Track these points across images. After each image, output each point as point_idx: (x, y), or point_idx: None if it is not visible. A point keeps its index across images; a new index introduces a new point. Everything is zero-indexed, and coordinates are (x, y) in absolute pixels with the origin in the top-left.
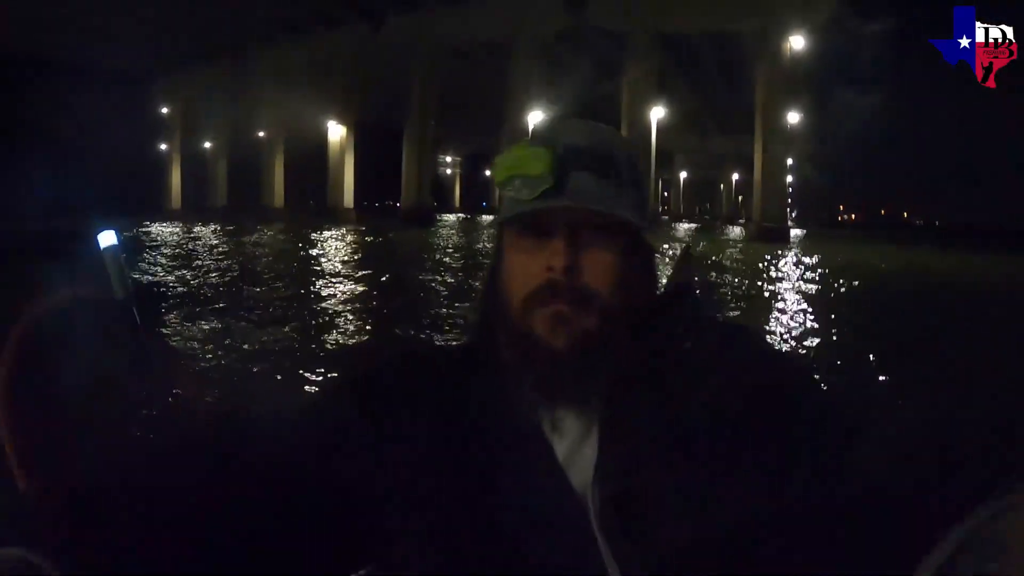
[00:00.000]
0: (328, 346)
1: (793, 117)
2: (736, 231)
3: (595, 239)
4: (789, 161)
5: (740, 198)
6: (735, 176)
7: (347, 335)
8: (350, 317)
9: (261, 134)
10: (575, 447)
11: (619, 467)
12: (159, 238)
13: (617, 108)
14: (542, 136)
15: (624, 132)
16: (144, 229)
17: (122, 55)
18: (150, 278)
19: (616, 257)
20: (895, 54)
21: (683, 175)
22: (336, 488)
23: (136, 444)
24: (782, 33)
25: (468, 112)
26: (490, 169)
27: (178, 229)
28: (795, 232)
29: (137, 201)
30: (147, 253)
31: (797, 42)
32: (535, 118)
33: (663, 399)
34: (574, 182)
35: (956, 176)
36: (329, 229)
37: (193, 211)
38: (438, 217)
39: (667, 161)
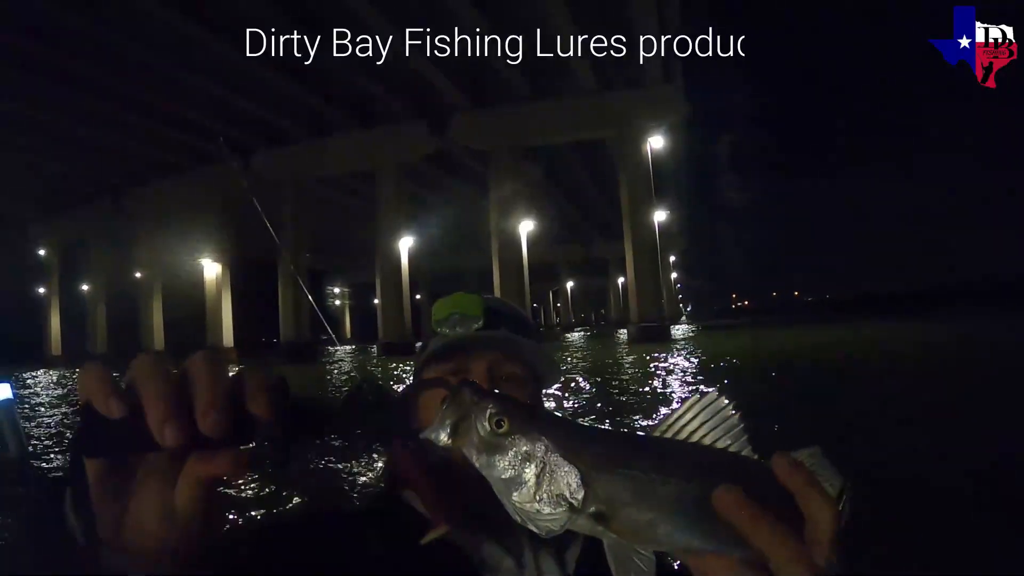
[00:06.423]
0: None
1: (660, 216)
2: (624, 333)
3: (508, 378)
4: (672, 259)
5: None
6: (621, 280)
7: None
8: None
9: (138, 275)
10: None
11: None
12: (44, 390)
13: (487, 225)
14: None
15: (495, 248)
16: (29, 378)
17: None
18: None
19: (524, 393)
20: (757, 145)
21: (570, 285)
22: None
23: None
24: (638, 137)
25: (348, 242)
26: (432, 313)
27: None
28: (683, 328)
29: (17, 348)
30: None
31: (655, 142)
32: (406, 244)
33: None
34: (501, 330)
35: (840, 250)
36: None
37: (74, 357)
38: (326, 350)
39: (553, 273)
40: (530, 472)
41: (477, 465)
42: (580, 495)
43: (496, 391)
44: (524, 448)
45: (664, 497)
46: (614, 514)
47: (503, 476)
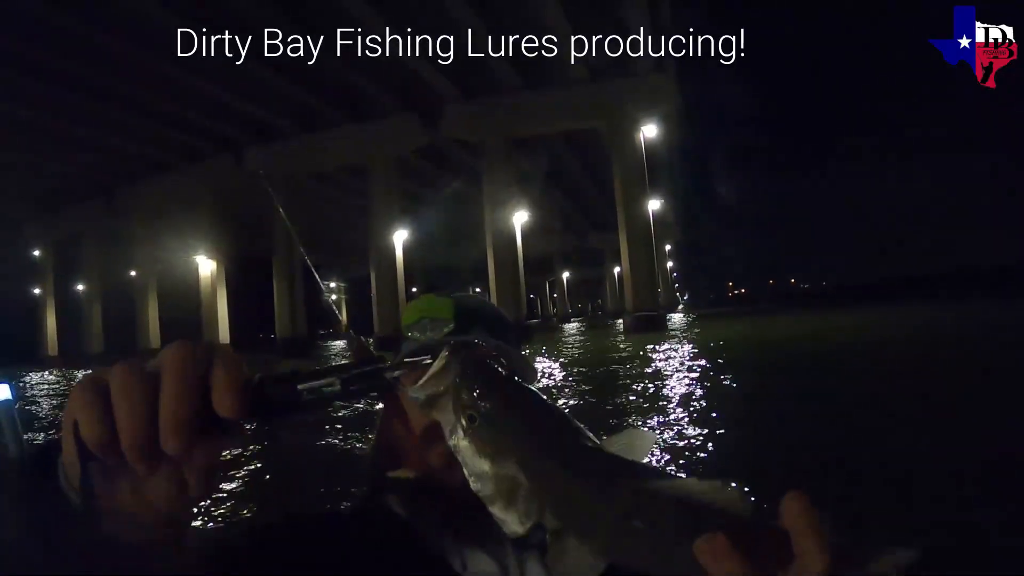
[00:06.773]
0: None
1: (655, 205)
2: (620, 323)
3: None
4: (668, 248)
5: None
6: (617, 270)
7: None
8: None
9: (133, 274)
10: None
11: None
12: (43, 390)
13: (482, 218)
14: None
15: (489, 241)
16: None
17: None
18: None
19: None
20: (753, 140)
21: (566, 276)
22: None
23: None
24: (630, 127)
25: (342, 238)
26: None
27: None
28: (679, 317)
29: (12, 348)
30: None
31: (648, 132)
32: (400, 237)
33: None
34: (473, 331)
35: (839, 249)
36: None
37: (71, 358)
38: (323, 345)
39: (549, 264)
40: (489, 477)
41: (447, 441)
42: (533, 520)
43: (491, 364)
44: (488, 455)
45: (631, 539)
46: (571, 537)
47: (464, 467)
